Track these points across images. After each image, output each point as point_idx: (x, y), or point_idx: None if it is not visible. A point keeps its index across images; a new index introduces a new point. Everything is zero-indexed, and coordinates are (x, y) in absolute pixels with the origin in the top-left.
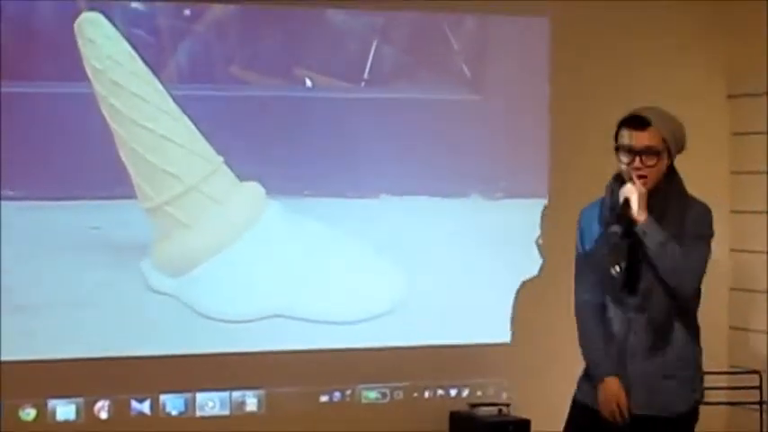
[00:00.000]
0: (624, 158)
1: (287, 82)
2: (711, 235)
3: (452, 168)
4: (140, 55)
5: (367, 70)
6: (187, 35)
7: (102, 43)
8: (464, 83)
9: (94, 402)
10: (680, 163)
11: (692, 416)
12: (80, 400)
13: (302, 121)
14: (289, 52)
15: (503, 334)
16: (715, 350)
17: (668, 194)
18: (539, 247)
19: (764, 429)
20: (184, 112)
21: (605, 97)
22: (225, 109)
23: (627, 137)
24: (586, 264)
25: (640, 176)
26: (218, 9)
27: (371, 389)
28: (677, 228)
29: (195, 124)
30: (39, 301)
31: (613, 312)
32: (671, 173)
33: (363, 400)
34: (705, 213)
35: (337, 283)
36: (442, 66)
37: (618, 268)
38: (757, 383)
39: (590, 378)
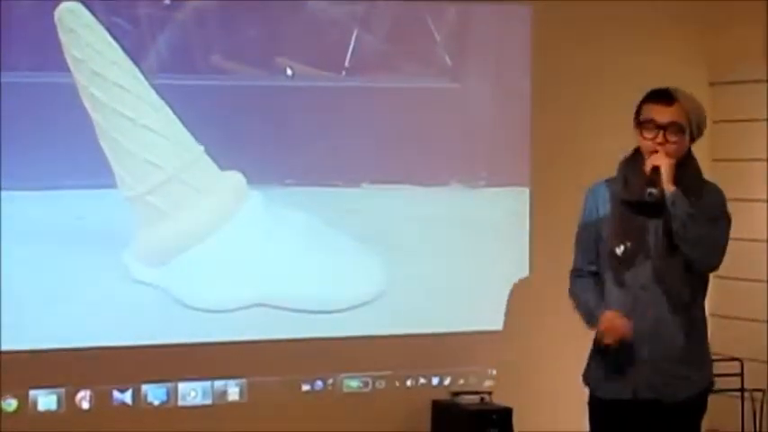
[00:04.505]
0: (648, 134)
1: (267, 71)
2: (730, 218)
3: (433, 157)
4: (121, 44)
5: (347, 59)
6: (167, 24)
7: (82, 33)
8: (445, 71)
9: (76, 392)
10: None
11: (699, 402)
12: (61, 390)
13: (283, 110)
14: (269, 41)
15: (484, 322)
16: None
17: (686, 175)
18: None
19: (745, 417)
20: (165, 101)
21: (587, 85)
22: (205, 98)
23: (652, 111)
24: (587, 235)
25: (667, 153)
26: None
27: (353, 378)
28: (695, 208)
29: (176, 113)
30: (20, 292)
31: (615, 293)
32: (691, 155)
33: (345, 389)
34: (722, 197)
35: (319, 273)
36: (424, 54)
37: (623, 247)
38: (738, 371)
39: (596, 363)
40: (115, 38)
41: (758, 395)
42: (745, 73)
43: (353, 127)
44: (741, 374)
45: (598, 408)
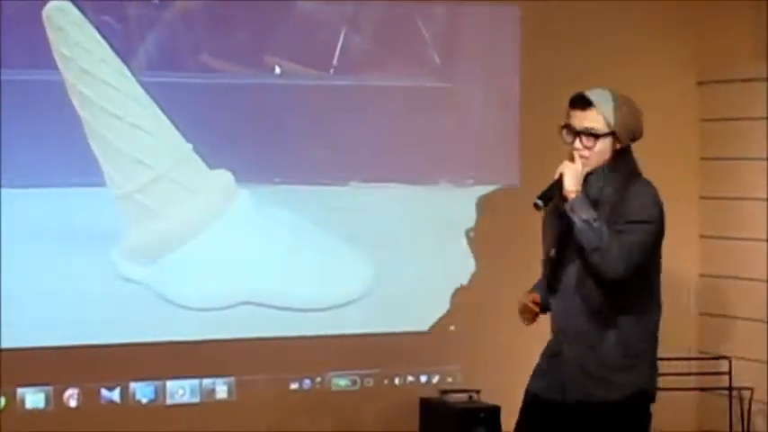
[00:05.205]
0: (567, 138)
1: (256, 69)
2: (650, 222)
3: (422, 156)
4: (109, 43)
5: (336, 58)
6: (156, 23)
7: (70, 31)
8: (434, 70)
9: (64, 390)
10: (650, 149)
11: (631, 404)
12: (49, 388)
13: (271, 108)
14: (258, 40)
15: (472, 320)
16: (685, 336)
17: (609, 179)
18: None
19: (733, 414)
20: (154, 99)
21: (576, 84)
22: (194, 97)
23: (570, 116)
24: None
25: (582, 156)
26: None
27: (342, 376)
28: (614, 213)
29: (164, 112)
30: (8, 290)
31: (553, 296)
32: (620, 157)
33: (334, 388)
34: (647, 199)
35: (307, 271)
36: (412, 53)
37: (553, 252)
38: (726, 369)
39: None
40: (104, 36)
41: (746, 393)
42: (733, 72)
43: (342, 126)
44: (729, 373)
45: (526, 399)
